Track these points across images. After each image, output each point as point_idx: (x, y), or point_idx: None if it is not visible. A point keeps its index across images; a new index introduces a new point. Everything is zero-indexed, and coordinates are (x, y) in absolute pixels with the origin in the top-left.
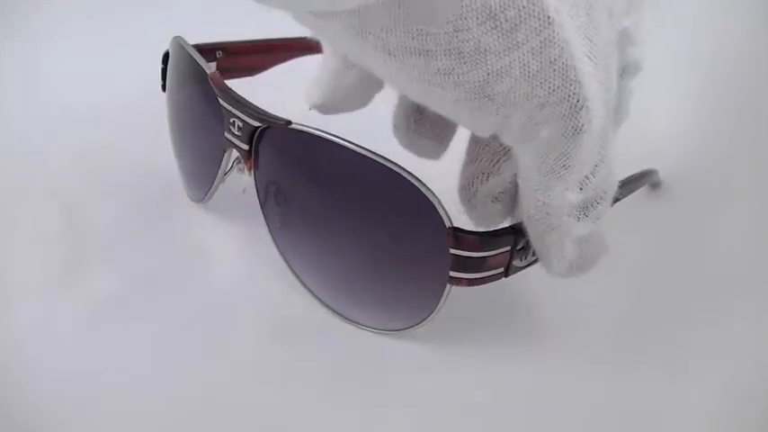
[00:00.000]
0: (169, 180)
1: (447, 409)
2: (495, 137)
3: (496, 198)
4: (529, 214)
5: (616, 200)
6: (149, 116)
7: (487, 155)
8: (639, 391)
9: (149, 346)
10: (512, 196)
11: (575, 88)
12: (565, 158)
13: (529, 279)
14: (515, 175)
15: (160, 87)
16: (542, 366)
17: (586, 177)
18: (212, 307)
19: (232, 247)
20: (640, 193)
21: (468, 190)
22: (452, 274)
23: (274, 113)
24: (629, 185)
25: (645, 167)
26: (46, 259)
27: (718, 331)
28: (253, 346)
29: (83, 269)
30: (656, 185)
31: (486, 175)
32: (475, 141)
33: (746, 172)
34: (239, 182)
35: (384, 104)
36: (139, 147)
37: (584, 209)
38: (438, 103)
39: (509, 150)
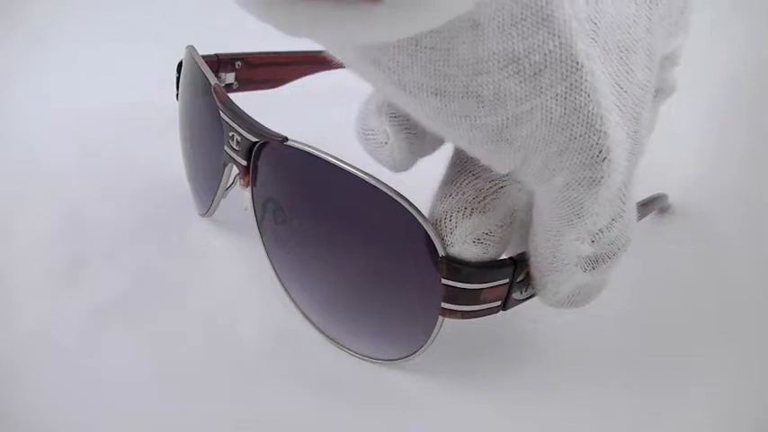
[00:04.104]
0: (177, 187)
1: None
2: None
3: (478, 240)
4: (537, 248)
5: None
6: (164, 122)
7: (473, 189)
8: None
9: (149, 349)
10: (496, 242)
11: (598, 138)
12: (579, 207)
13: (529, 307)
14: (505, 217)
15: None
16: (543, 399)
17: (600, 231)
18: (213, 312)
19: (235, 257)
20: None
21: (444, 224)
22: (444, 305)
23: (273, 129)
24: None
25: (654, 191)
26: (48, 262)
27: (730, 357)
28: (250, 357)
29: (84, 273)
30: (664, 210)
31: (470, 210)
32: (458, 170)
33: (758, 195)
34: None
35: None
36: (151, 153)
37: (594, 262)
38: (453, 139)
39: (501, 187)
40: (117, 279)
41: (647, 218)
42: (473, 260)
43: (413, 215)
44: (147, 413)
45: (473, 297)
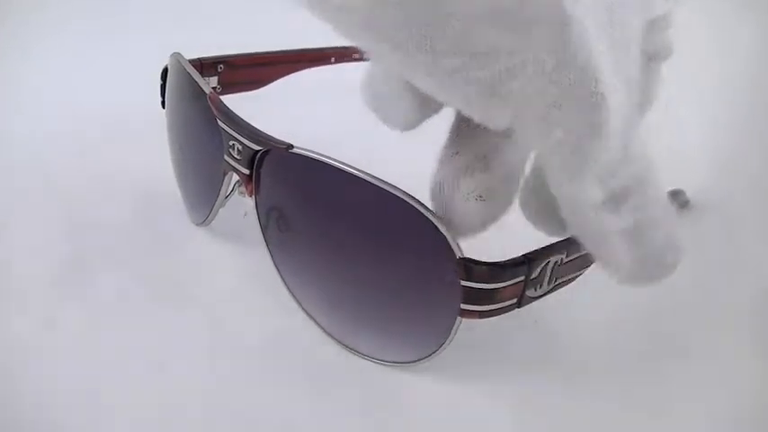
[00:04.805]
0: (177, 188)
1: None
2: (484, 128)
3: (481, 197)
4: (564, 215)
5: None
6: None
7: (472, 148)
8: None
9: (149, 349)
10: (499, 199)
11: (592, 86)
12: (581, 155)
13: (544, 306)
14: (508, 174)
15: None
16: (560, 399)
17: (609, 174)
18: (213, 313)
19: (235, 258)
20: None
21: (447, 186)
22: (463, 306)
23: (275, 136)
24: None
25: (671, 187)
26: (48, 262)
27: (751, 359)
28: (252, 360)
29: (84, 273)
30: (683, 205)
31: (472, 170)
32: (456, 133)
33: None
34: (242, 203)
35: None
36: (152, 153)
37: (615, 202)
38: (447, 99)
39: (499, 144)
40: (117, 279)
41: None
42: (477, 220)
43: (428, 218)
44: (147, 413)
45: (490, 296)
